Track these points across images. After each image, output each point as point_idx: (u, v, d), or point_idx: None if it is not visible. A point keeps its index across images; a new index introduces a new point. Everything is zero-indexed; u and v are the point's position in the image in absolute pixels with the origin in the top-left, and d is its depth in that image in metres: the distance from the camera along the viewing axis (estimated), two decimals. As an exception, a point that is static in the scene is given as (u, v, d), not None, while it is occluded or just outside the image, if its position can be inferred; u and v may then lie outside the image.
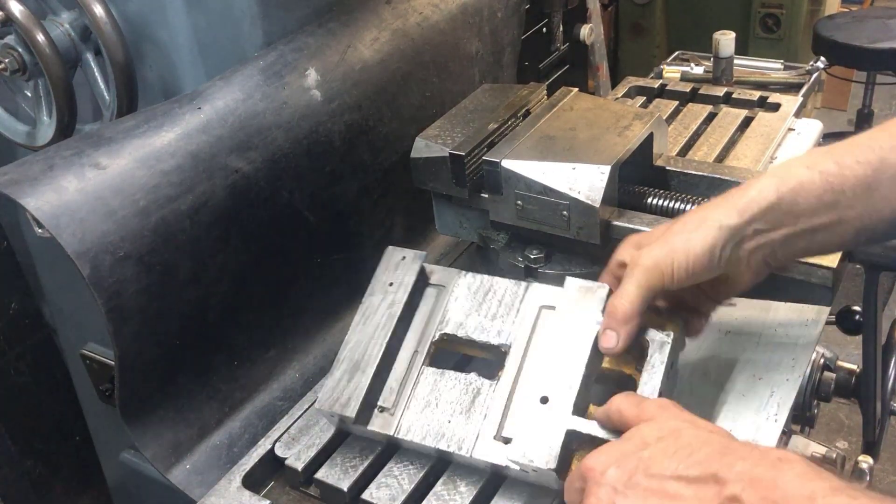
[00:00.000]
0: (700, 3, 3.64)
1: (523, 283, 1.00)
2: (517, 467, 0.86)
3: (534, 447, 0.84)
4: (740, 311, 1.13)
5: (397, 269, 1.02)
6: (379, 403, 0.95)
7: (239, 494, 0.94)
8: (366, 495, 0.91)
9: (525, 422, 0.87)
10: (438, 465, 0.94)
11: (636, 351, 0.91)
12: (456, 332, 0.98)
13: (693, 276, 0.88)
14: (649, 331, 0.90)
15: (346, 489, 0.92)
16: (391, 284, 1.01)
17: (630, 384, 0.91)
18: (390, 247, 1.05)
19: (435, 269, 1.04)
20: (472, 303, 1.00)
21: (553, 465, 0.83)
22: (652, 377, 0.88)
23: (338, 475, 0.94)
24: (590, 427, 0.85)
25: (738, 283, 0.92)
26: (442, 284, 1.02)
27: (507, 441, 0.90)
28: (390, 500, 0.90)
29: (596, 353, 0.90)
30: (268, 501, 0.94)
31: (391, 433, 0.94)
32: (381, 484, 0.92)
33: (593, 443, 0.84)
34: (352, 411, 0.93)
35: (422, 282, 1.03)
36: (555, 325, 0.93)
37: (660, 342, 0.90)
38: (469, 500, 0.90)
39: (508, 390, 0.93)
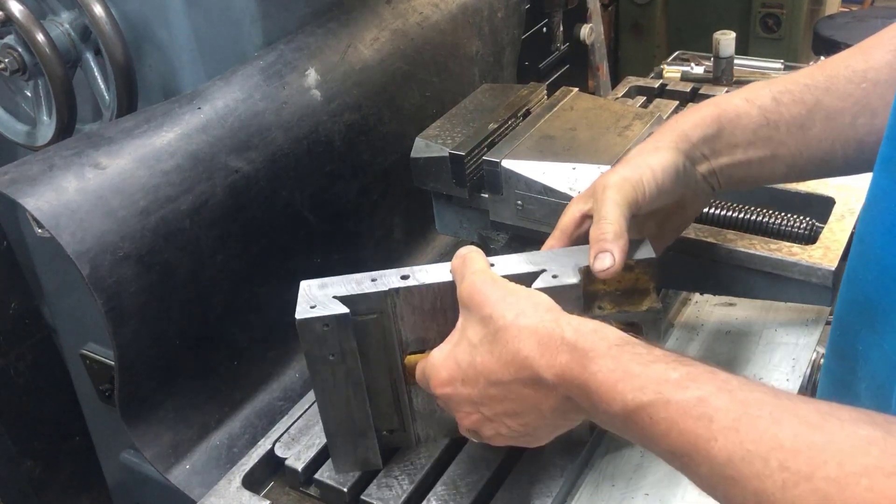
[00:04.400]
0: (700, 3, 3.64)
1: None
2: None
3: (562, 440, 0.86)
4: (740, 311, 1.13)
5: (327, 340, 0.85)
6: (386, 428, 0.94)
7: (239, 494, 0.94)
8: (366, 495, 0.91)
9: None
10: (438, 464, 0.94)
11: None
12: (422, 348, 0.90)
13: (661, 194, 0.87)
14: (636, 313, 0.87)
15: (346, 489, 0.92)
16: (332, 356, 0.86)
17: None
18: (300, 319, 0.84)
19: (357, 299, 0.86)
20: (422, 316, 0.88)
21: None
22: None
23: (338, 475, 0.93)
24: None
25: (691, 210, 0.94)
26: (378, 311, 0.87)
27: None
28: (390, 500, 0.90)
29: None
30: (268, 501, 0.94)
31: (412, 446, 0.95)
32: (381, 484, 0.92)
33: None
34: (377, 463, 0.93)
35: (356, 319, 0.87)
36: None
37: (652, 320, 0.87)
38: (469, 501, 0.90)
39: None
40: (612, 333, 0.70)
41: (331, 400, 0.89)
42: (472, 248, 0.86)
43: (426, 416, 0.94)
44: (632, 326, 0.90)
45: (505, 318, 0.75)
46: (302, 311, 0.84)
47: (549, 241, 0.92)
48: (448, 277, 0.86)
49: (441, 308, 0.87)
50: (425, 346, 0.90)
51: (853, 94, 0.87)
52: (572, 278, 0.84)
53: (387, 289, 0.86)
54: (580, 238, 0.90)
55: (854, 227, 1.03)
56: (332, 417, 0.90)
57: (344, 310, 0.84)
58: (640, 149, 0.91)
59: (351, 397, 0.88)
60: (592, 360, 0.67)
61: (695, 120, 0.90)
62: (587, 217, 0.89)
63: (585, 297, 0.85)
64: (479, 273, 0.81)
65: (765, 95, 0.89)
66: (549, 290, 0.83)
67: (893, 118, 0.72)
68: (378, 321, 0.87)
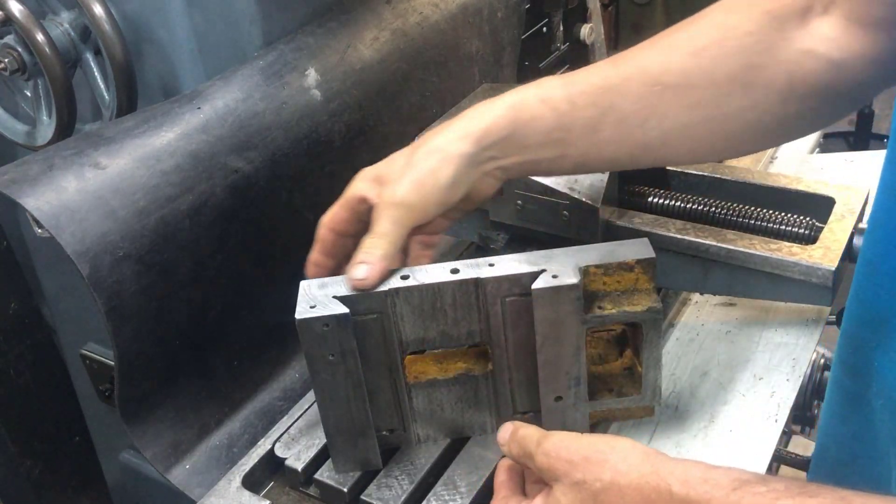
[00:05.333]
0: (700, 4, 3.64)
1: (470, 279, 0.86)
2: None
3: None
4: (740, 311, 1.13)
5: (327, 340, 0.84)
6: (387, 428, 0.94)
7: (239, 495, 0.94)
8: (366, 495, 0.91)
9: (546, 418, 0.91)
10: (438, 464, 0.94)
11: (615, 345, 0.93)
12: (422, 348, 0.90)
13: (443, 207, 0.89)
14: (636, 313, 0.87)
15: (346, 489, 0.92)
16: (332, 356, 0.85)
17: (625, 378, 0.93)
18: (299, 319, 0.84)
19: (358, 299, 0.86)
20: (422, 315, 0.88)
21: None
22: (653, 351, 0.88)
23: (338, 475, 0.93)
24: (610, 404, 0.91)
25: (474, 201, 0.94)
26: (378, 311, 0.87)
27: (525, 413, 0.93)
28: (390, 500, 0.90)
29: (583, 334, 0.87)
30: (268, 502, 0.94)
31: (413, 445, 0.95)
32: (381, 484, 0.92)
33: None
34: (377, 463, 0.93)
35: (356, 319, 0.86)
36: (531, 318, 0.86)
37: (652, 320, 0.87)
38: (469, 501, 0.89)
39: (507, 378, 0.92)
40: (723, 478, 0.66)
41: (331, 400, 0.88)
42: (513, 423, 0.84)
43: (426, 415, 0.94)
44: (632, 326, 0.91)
45: (602, 479, 0.72)
46: (302, 311, 0.84)
47: (334, 209, 0.93)
48: (449, 277, 0.86)
49: (441, 308, 0.87)
50: (425, 346, 0.90)
51: (645, 98, 0.88)
52: (572, 278, 0.84)
53: (387, 289, 0.86)
54: (362, 213, 0.91)
55: (855, 245, 1.03)
56: (332, 417, 0.90)
57: (344, 310, 0.84)
58: (427, 152, 0.89)
59: (351, 397, 0.88)
60: None
61: (488, 123, 0.89)
62: (366, 200, 0.91)
63: (585, 297, 0.85)
64: (545, 439, 0.79)
65: (560, 97, 0.89)
66: (548, 290, 0.83)
67: (893, 143, 0.72)
68: (378, 321, 0.87)
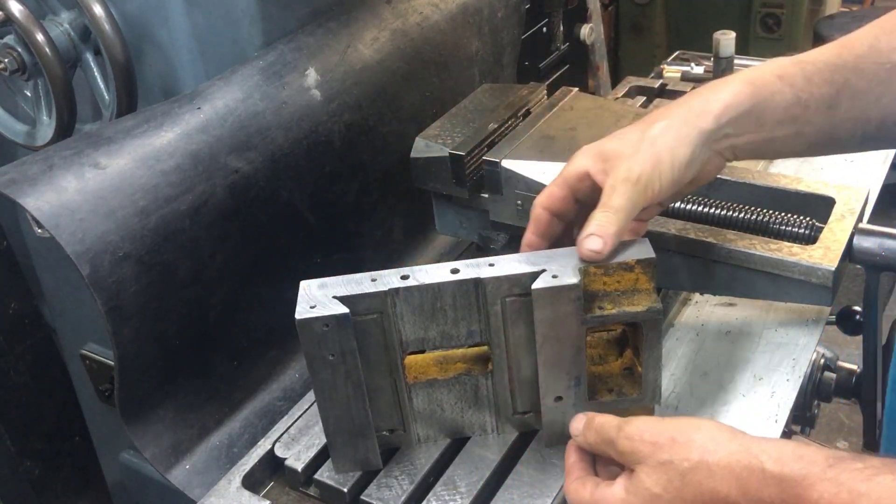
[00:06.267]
0: (700, 3, 3.64)
1: (470, 279, 0.86)
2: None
3: (567, 433, 0.87)
4: (740, 311, 1.13)
5: (327, 340, 0.85)
6: (387, 428, 0.94)
7: (239, 495, 0.94)
8: (366, 495, 0.91)
9: (547, 418, 0.91)
10: (438, 464, 0.94)
11: (615, 345, 0.93)
12: (422, 348, 0.90)
13: (677, 188, 0.87)
14: (636, 313, 0.86)
15: (346, 490, 0.92)
16: (332, 356, 0.85)
17: (625, 379, 0.93)
18: (299, 319, 0.84)
19: (357, 299, 0.86)
20: (422, 316, 0.88)
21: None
22: (653, 351, 0.88)
23: (338, 475, 0.93)
24: (610, 405, 0.90)
25: (699, 182, 0.91)
26: (378, 311, 0.87)
27: (525, 413, 0.94)
28: (390, 500, 0.90)
29: (583, 334, 0.87)
30: (268, 502, 0.94)
31: (412, 445, 0.95)
32: (381, 484, 0.92)
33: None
34: (377, 463, 0.93)
35: (356, 318, 0.86)
36: (531, 318, 0.86)
37: (652, 320, 0.87)
38: (469, 501, 0.90)
39: (507, 378, 0.92)
40: (818, 454, 0.65)
41: (331, 400, 0.89)
42: (586, 414, 0.85)
43: (426, 415, 0.94)
44: (632, 327, 0.91)
45: (690, 459, 0.71)
46: (302, 311, 0.84)
47: (550, 188, 0.90)
48: (449, 277, 0.86)
49: (441, 308, 0.87)
50: (425, 346, 0.90)
51: (878, 75, 0.88)
52: (572, 278, 0.84)
53: (387, 289, 0.86)
54: (580, 191, 0.89)
55: (855, 245, 1.03)
56: (332, 417, 0.90)
57: (344, 310, 0.84)
58: (666, 127, 0.87)
59: (351, 397, 0.88)
60: (809, 488, 0.63)
61: (727, 99, 0.87)
62: (589, 177, 0.88)
63: (585, 297, 0.85)
64: (627, 424, 0.78)
65: (797, 74, 0.89)
66: (548, 290, 0.83)
67: None
68: (378, 321, 0.87)
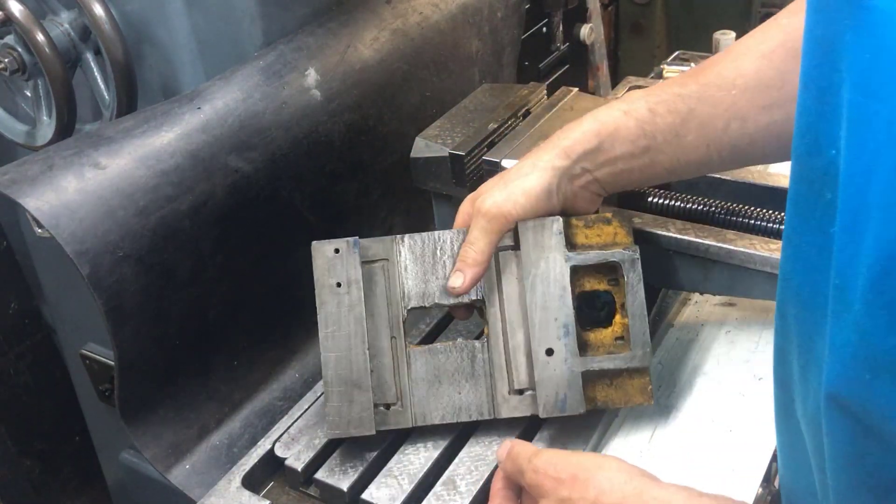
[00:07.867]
0: (700, 3, 3.64)
1: (463, 231, 0.97)
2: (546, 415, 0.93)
3: (560, 398, 0.92)
4: (740, 311, 1.13)
5: (336, 266, 0.94)
6: (385, 401, 0.95)
7: (239, 494, 0.94)
8: (366, 495, 0.91)
9: (540, 376, 0.93)
10: (438, 464, 0.94)
11: (604, 267, 0.97)
12: (423, 304, 0.97)
13: (534, 213, 0.95)
14: (614, 251, 0.94)
15: (345, 489, 0.92)
16: (339, 285, 0.94)
17: (607, 298, 0.98)
18: (315, 243, 0.96)
19: (368, 243, 0.97)
20: (423, 266, 0.97)
21: (583, 408, 0.92)
22: (636, 296, 0.94)
23: (338, 475, 0.94)
24: (602, 362, 0.93)
25: (582, 210, 0.99)
26: (384, 258, 0.97)
27: (521, 392, 0.95)
28: (390, 500, 0.90)
29: (567, 272, 0.94)
30: (268, 501, 0.94)
31: (410, 426, 0.95)
32: (381, 484, 0.92)
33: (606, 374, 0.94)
34: (370, 428, 0.93)
35: (365, 265, 0.97)
36: (521, 267, 0.95)
37: (630, 260, 0.94)
38: (469, 500, 0.90)
39: (502, 343, 0.96)
40: (706, 501, 0.70)
41: (333, 337, 0.93)
42: (511, 440, 0.89)
43: (424, 387, 0.95)
44: (615, 283, 0.96)
45: (586, 498, 0.75)
46: (318, 244, 0.95)
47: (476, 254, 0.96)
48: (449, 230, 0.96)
49: (441, 258, 0.96)
50: (425, 302, 0.96)
51: (724, 101, 0.91)
52: (555, 218, 0.95)
53: (394, 236, 0.97)
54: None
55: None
56: (333, 360, 0.93)
57: (354, 237, 0.94)
58: (518, 167, 0.96)
59: (352, 334, 0.93)
60: None
61: (576, 136, 0.95)
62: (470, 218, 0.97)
63: (569, 247, 0.94)
64: (537, 456, 0.82)
65: (641, 107, 0.94)
66: (533, 223, 0.94)
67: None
68: (384, 269, 0.95)
